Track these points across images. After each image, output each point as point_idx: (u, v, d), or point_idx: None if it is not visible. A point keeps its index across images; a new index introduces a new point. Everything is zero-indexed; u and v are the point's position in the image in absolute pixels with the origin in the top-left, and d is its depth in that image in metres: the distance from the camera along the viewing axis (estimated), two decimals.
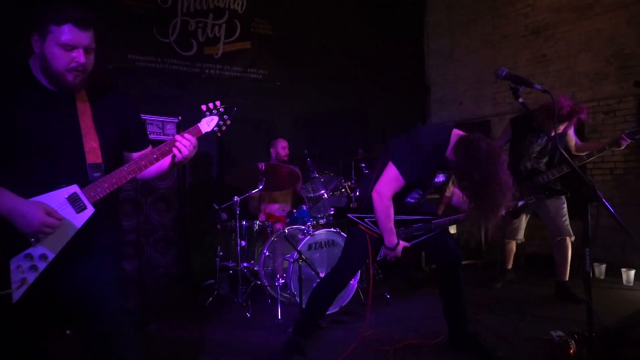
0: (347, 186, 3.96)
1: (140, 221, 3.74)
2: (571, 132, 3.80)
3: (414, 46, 7.02)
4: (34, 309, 1.64)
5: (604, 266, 4.56)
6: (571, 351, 2.59)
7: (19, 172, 1.60)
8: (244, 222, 4.01)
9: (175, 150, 1.76)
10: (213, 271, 4.23)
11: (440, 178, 2.64)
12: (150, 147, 1.91)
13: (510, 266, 4.35)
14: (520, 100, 2.44)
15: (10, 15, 3.70)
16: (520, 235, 4.15)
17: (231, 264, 4.06)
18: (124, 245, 2.82)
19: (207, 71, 5.09)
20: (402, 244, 2.60)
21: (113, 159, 1.76)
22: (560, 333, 2.76)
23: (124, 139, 1.86)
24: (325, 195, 3.96)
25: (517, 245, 4.29)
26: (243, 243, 3.97)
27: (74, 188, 1.61)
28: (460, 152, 2.27)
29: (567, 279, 3.87)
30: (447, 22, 6.74)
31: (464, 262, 5.05)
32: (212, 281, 4.30)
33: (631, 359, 2.59)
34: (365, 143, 5.92)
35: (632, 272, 4.27)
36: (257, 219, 4.26)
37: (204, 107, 1.85)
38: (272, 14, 5.54)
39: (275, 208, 4.69)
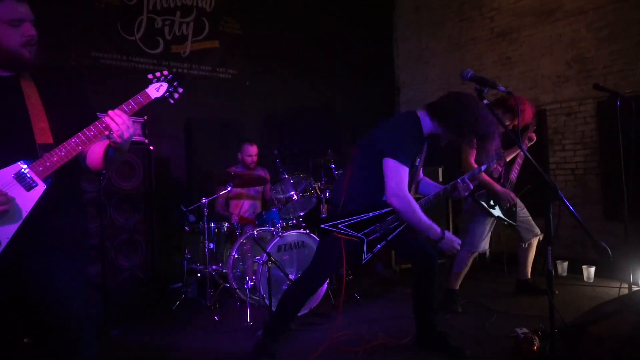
0: (316, 187, 3.95)
1: (103, 223, 3.61)
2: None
3: (384, 47, 7.08)
4: None
5: (566, 263, 4.71)
6: (535, 347, 2.65)
7: None
8: (212, 224, 3.94)
9: (107, 120, 1.54)
10: (180, 274, 4.15)
11: (417, 162, 2.69)
12: None
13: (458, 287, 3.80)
14: (485, 101, 2.48)
15: None
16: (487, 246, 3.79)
17: (199, 267, 3.98)
18: (89, 236, 2.62)
19: (174, 70, 4.95)
20: (447, 232, 2.55)
21: (66, 139, 1.59)
22: (525, 330, 2.82)
23: (75, 118, 1.70)
24: (295, 196, 3.94)
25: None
26: (211, 245, 3.90)
27: (20, 164, 1.48)
28: (454, 105, 2.48)
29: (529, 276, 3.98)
30: (415, 24, 6.83)
31: None
32: (180, 285, 4.21)
33: (591, 354, 2.67)
34: (334, 143, 5.92)
35: (592, 269, 4.42)
36: (225, 221, 4.19)
37: (150, 76, 1.73)
38: (242, 13, 5.48)
39: (245, 210, 4.63)
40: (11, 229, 1.44)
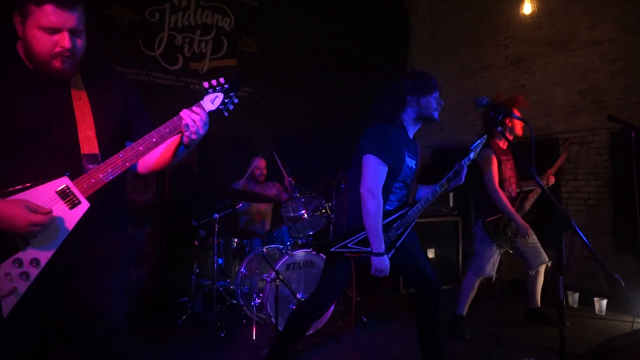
0: (327, 207, 3.96)
1: None
2: None
3: (398, 71, 7.14)
4: (31, 325, 1.44)
5: (577, 295, 4.63)
6: None
7: (4, 163, 1.42)
8: (222, 240, 3.96)
9: (183, 124, 1.50)
10: (188, 288, 4.15)
11: (411, 163, 2.68)
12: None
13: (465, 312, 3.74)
14: (499, 128, 2.51)
15: None
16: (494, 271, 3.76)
17: (207, 282, 3.99)
18: (132, 248, 2.55)
19: (191, 86, 5.09)
20: (387, 257, 2.50)
21: (112, 149, 1.52)
22: None
23: (125, 127, 1.64)
24: (305, 215, 3.95)
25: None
26: (220, 261, 3.91)
27: (64, 180, 1.40)
28: None
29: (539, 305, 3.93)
30: (430, 51, 6.91)
31: None
32: (187, 299, 4.21)
33: None
34: (346, 164, 5.95)
35: (604, 302, 4.34)
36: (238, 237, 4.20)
37: (206, 84, 1.61)
38: (259, 33, 5.60)
39: (255, 226, 4.65)
40: (52, 248, 1.38)
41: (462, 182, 2.72)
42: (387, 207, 2.61)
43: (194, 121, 1.51)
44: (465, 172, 2.71)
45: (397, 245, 2.61)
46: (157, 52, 4.86)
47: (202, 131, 1.54)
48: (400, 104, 2.67)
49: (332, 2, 6.22)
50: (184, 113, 1.53)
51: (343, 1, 6.35)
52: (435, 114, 2.72)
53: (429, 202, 2.67)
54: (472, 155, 2.80)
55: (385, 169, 2.51)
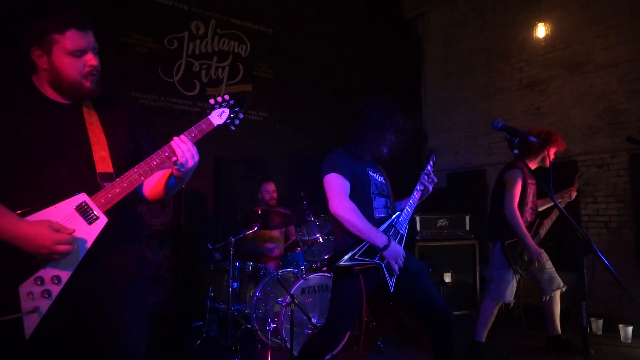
0: None
1: None
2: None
3: (412, 94, 7.19)
4: (52, 348, 1.44)
5: (601, 321, 4.49)
6: None
7: (25, 185, 1.46)
8: (237, 263, 3.95)
9: (174, 145, 1.55)
10: (203, 312, 4.13)
11: (380, 178, 2.73)
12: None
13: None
14: (516, 151, 2.49)
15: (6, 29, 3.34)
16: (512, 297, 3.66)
17: (222, 306, 3.97)
18: (148, 268, 2.56)
19: (208, 111, 5.16)
20: (394, 241, 2.46)
21: (124, 168, 1.56)
22: None
23: (134, 148, 1.71)
24: (320, 239, 3.93)
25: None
26: (235, 285, 3.90)
27: (82, 197, 1.43)
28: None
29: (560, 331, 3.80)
30: (444, 74, 6.95)
31: (457, 313, 4.98)
32: (201, 323, 4.19)
33: None
34: None
35: (630, 329, 4.19)
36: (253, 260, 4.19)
37: (212, 101, 1.69)
38: (274, 59, 5.71)
39: (267, 249, 4.64)
40: (72, 264, 1.39)
41: (430, 190, 2.75)
42: (377, 214, 2.58)
43: (183, 151, 1.55)
44: (430, 182, 2.76)
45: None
46: (175, 78, 4.98)
47: (190, 163, 1.56)
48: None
49: (345, 28, 6.34)
50: (175, 140, 1.57)
51: (357, 26, 6.46)
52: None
53: (416, 201, 2.69)
54: (436, 151, 2.93)
55: (346, 182, 2.54)
